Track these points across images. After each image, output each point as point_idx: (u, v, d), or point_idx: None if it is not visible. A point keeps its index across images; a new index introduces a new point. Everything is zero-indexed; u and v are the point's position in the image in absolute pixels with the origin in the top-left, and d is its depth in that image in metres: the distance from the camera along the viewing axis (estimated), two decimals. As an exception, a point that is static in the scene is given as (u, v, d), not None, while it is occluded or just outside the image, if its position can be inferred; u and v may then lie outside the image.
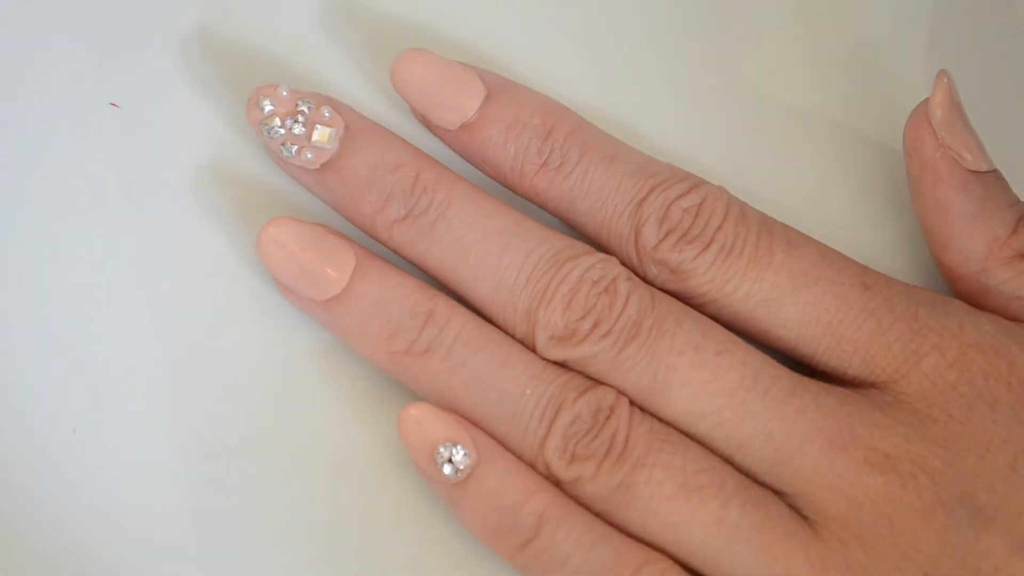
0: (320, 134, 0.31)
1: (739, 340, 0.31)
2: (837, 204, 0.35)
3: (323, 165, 0.32)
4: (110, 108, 0.34)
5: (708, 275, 0.31)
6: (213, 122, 0.34)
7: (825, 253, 0.31)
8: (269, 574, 0.32)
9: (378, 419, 0.32)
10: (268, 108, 0.31)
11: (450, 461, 0.30)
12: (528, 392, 0.30)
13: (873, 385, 0.30)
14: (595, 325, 0.30)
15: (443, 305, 0.31)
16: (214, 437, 0.32)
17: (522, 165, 0.32)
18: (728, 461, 0.30)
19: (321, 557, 0.32)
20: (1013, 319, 0.31)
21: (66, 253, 0.33)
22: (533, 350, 0.31)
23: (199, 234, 0.34)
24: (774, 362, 0.31)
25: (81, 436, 0.32)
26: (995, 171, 0.31)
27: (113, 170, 0.34)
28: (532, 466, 0.30)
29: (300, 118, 0.31)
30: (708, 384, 0.30)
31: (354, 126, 0.32)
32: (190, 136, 0.34)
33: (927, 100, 0.31)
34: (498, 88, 0.33)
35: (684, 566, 0.29)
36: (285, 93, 0.32)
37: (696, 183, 0.32)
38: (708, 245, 0.31)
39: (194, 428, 0.32)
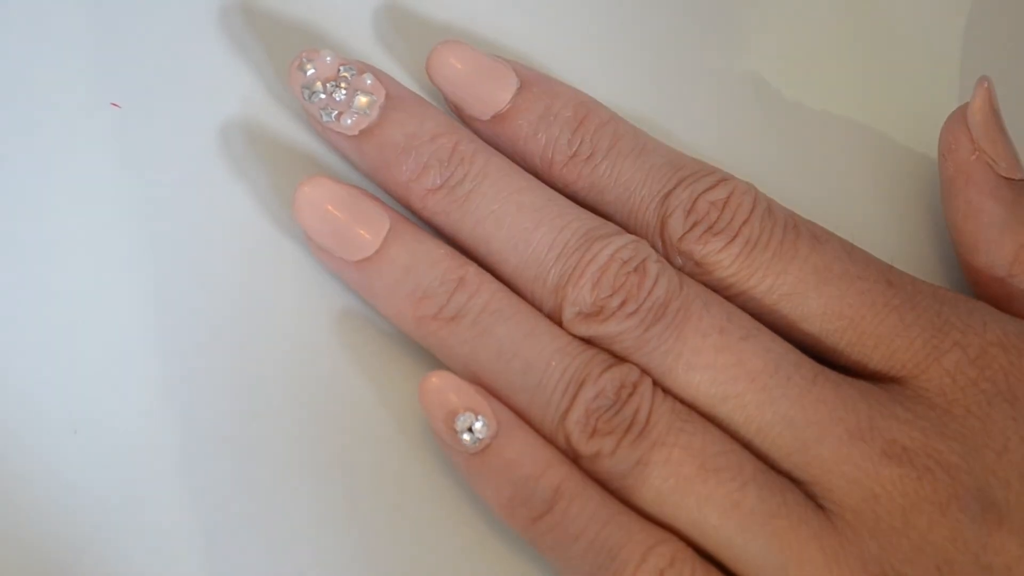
0: (360, 101, 0.33)
1: (764, 327, 0.32)
2: (864, 205, 0.36)
3: (361, 132, 0.33)
4: (135, 71, 0.36)
5: (733, 268, 0.32)
6: (247, 86, 0.36)
7: (850, 250, 0.33)
8: (276, 573, 0.33)
9: (401, 387, 0.34)
10: (311, 72, 0.33)
11: (470, 430, 0.31)
12: (553, 364, 0.31)
13: (894, 379, 0.31)
14: (623, 303, 0.32)
15: (473, 273, 0.33)
16: (221, 436, 0.33)
17: (552, 155, 0.34)
18: (747, 446, 0.31)
19: (333, 548, 0.33)
20: None
21: (70, 249, 0.35)
22: (560, 325, 0.32)
23: (223, 204, 0.35)
24: (797, 351, 0.32)
25: (82, 437, 0.33)
26: None
27: (138, 142, 0.35)
28: (552, 439, 0.31)
29: (342, 84, 0.33)
30: (731, 368, 0.31)
31: (394, 95, 0.34)
32: (222, 100, 0.36)
33: (966, 105, 0.33)
34: (531, 80, 0.35)
35: (696, 548, 0.30)
36: (328, 59, 0.34)
37: (724, 177, 0.33)
38: (734, 238, 0.32)
39: (199, 428, 0.33)
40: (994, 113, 0.33)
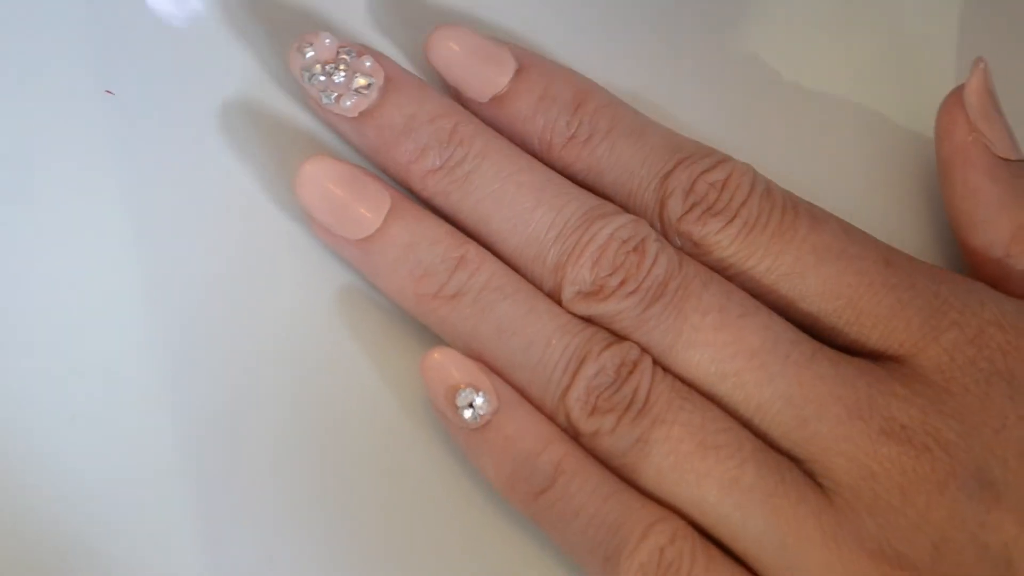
0: (360, 82, 0.34)
1: (762, 306, 0.32)
2: (861, 185, 0.36)
3: (361, 114, 0.34)
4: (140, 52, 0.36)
5: (731, 248, 0.33)
6: (248, 67, 0.36)
7: (848, 230, 0.33)
8: (278, 566, 0.33)
9: (402, 365, 0.34)
10: (310, 55, 0.34)
11: (471, 406, 0.31)
12: (554, 342, 0.32)
13: (892, 358, 0.32)
14: (622, 282, 0.32)
15: (474, 252, 0.33)
16: (220, 420, 0.34)
17: (551, 137, 0.34)
18: (746, 425, 0.31)
19: (332, 530, 0.33)
20: None
21: (67, 234, 0.35)
22: (560, 304, 0.33)
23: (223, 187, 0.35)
24: (796, 329, 0.32)
25: (80, 424, 0.33)
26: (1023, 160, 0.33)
27: (137, 124, 0.35)
28: (552, 417, 0.32)
29: (341, 66, 0.34)
30: (730, 345, 0.31)
31: (394, 77, 0.34)
32: (223, 80, 0.36)
33: (962, 86, 0.33)
34: (529, 62, 0.35)
35: (696, 525, 0.31)
36: (328, 41, 0.34)
37: (723, 158, 0.34)
38: (732, 219, 0.33)
39: (198, 411, 0.34)
40: (990, 94, 0.33)
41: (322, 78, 0.34)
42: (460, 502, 0.33)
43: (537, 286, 0.33)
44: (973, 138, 0.33)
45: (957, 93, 0.34)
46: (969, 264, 0.34)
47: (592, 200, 0.33)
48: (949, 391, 0.31)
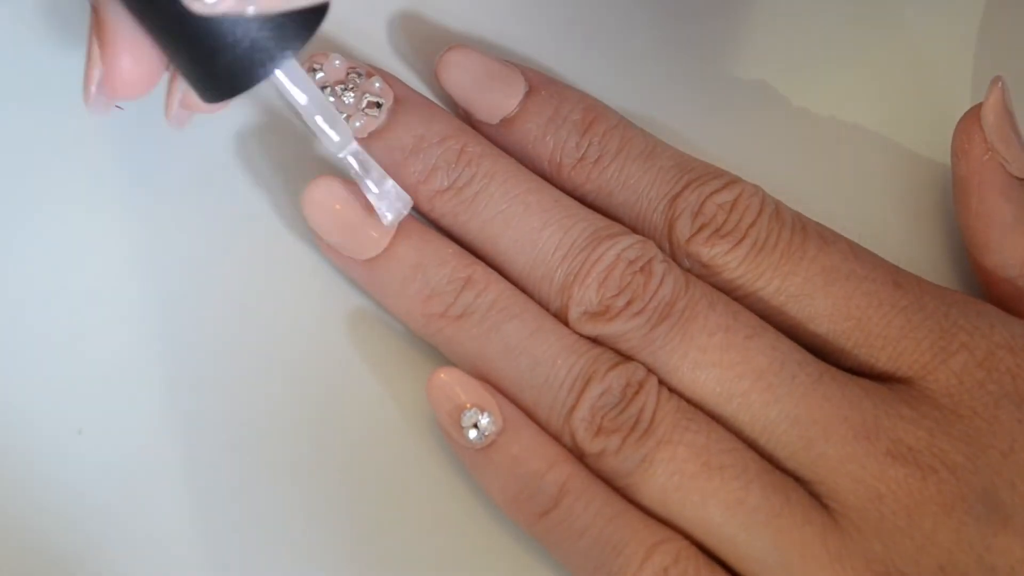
0: (369, 104, 0.34)
1: (769, 326, 0.32)
2: (874, 206, 0.37)
3: (370, 134, 0.34)
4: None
5: (740, 270, 0.33)
6: (259, 87, 0.35)
7: (857, 251, 0.33)
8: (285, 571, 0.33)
9: (410, 385, 0.34)
10: (320, 76, 0.34)
11: (476, 426, 0.32)
12: (559, 362, 0.32)
13: (900, 380, 0.32)
14: (629, 303, 0.32)
15: (481, 272, 0.33)
16: (228, 436, 0.34)
17: (560, 158, 0.35)
18: (752, 445, 0.31)
19: (341, 548, 0.33)
20: None
21: (77, 250, 0.35)
22: (566, 324, 0.33)
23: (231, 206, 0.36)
24: (802, 350, 0.32)
25: (88, 437, 0.34)
26: None
27: (148, 142, 0.36)
28: (558, 437, 0.32)
29: (351, 87, 0.34)
30: (736, 366, 0.32)
31: (403, 98, 0.35)
32: (233, 102, 0.35)
33: (980, 104, 0.33)
34: (539, 84, 0.35)
35: (700, 546, 0.31)
36: (337, 63, 0.34)
37: (732, 180, 0.34)
38: (741, 240, 0.33)
39: (207, 428, 0.34)
40: (1008, 113, 0.33)
41: (332, 99, 0.34)
42: (465, 521, 0.33)
43: (544, 306, 0.33)
44: (989, 157, 0.33)
45: (974, 112, 0.34)
46: (982, 284, 0.34)
47: (600, 221, 0.34)
48: (957, 413, 0.31)
